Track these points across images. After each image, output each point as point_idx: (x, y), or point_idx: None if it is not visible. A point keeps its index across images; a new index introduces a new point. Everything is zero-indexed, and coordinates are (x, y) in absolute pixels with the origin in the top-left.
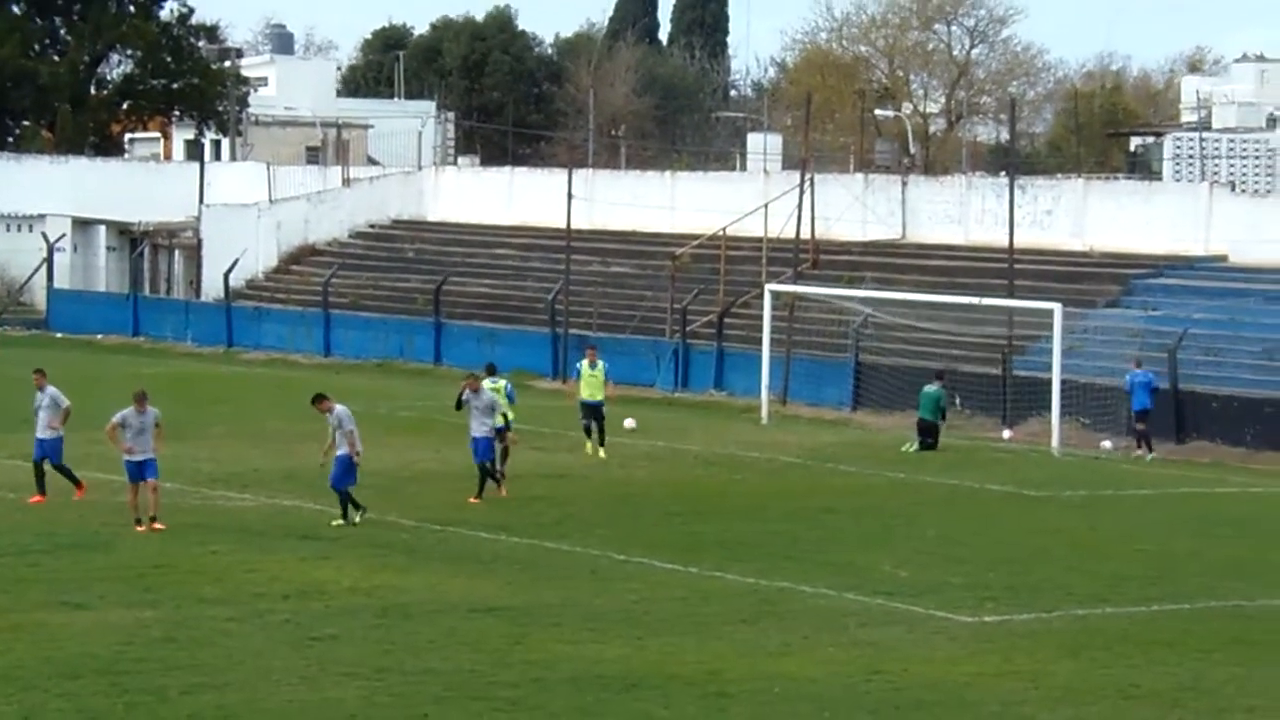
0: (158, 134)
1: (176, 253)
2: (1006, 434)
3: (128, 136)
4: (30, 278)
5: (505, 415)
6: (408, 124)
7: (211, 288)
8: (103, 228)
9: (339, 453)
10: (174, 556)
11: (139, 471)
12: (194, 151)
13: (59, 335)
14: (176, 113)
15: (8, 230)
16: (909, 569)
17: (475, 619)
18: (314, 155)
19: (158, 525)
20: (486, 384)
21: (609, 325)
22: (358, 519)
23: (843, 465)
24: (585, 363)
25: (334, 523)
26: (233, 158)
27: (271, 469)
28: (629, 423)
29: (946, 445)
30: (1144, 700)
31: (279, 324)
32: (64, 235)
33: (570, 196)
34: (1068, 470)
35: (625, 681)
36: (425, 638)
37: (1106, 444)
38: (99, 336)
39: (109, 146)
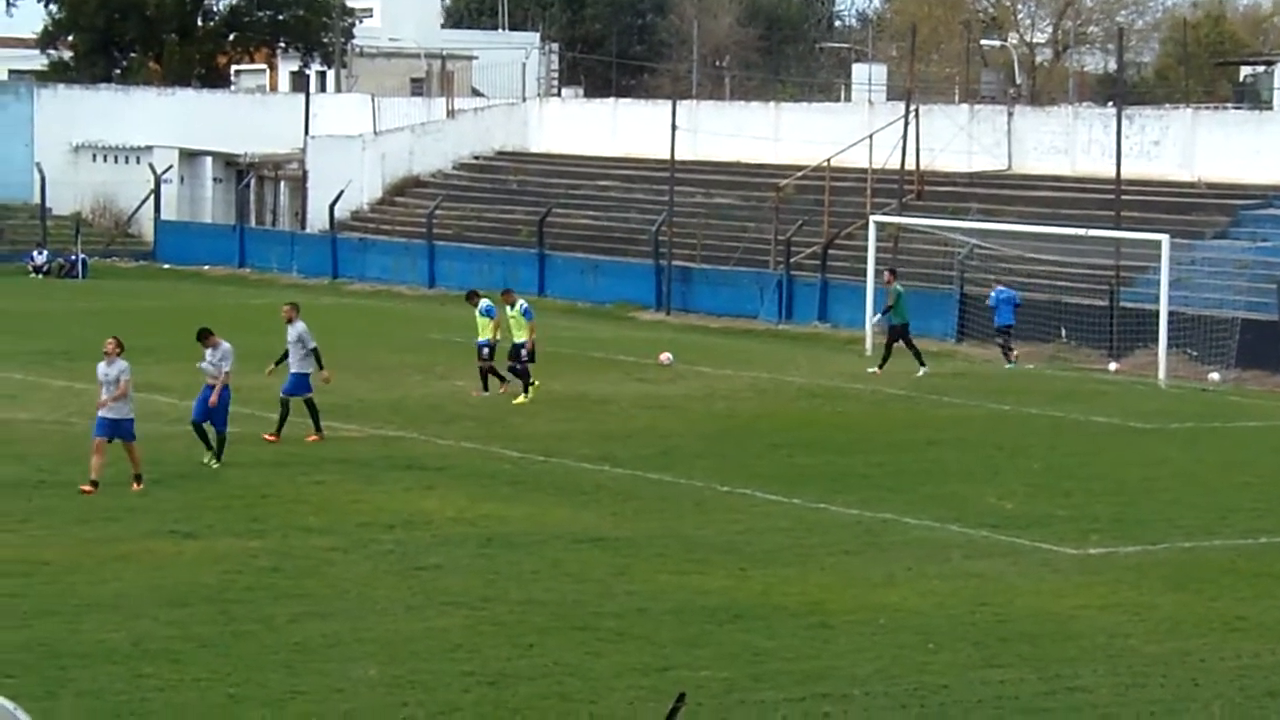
0: (263, 66)
1: (282, 184)
2: (1113, 366)
3: (234, 68)
4: (138, 209)
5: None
6: (511, 55)
7: (317, 219)
8: (209, 159)
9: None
10: (280, 487)
11: (110, 429)
12: (299, 83)
13: (166, 266)
14: (282, 44)
15: (115, 162)
16: (1014, 501)
17: (579, 549)
18: (418, 87)
19: (138, 486)
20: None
21: (712, 257)
22: (210, 460)
23: (947, 397)
24: (505, 304)
25: (209, 462)
26: (338, 89)
27: (377, 400)
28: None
29: (1053, 376)
30: (1250, 633)
31: (384, 255)
32: (171, 167)
33: (674, 128)
34: (1174, 402)
35: (729, 612)
36: (529, 568)
37: (1214, 375)
38: (205, 268)
39: (215, 78)
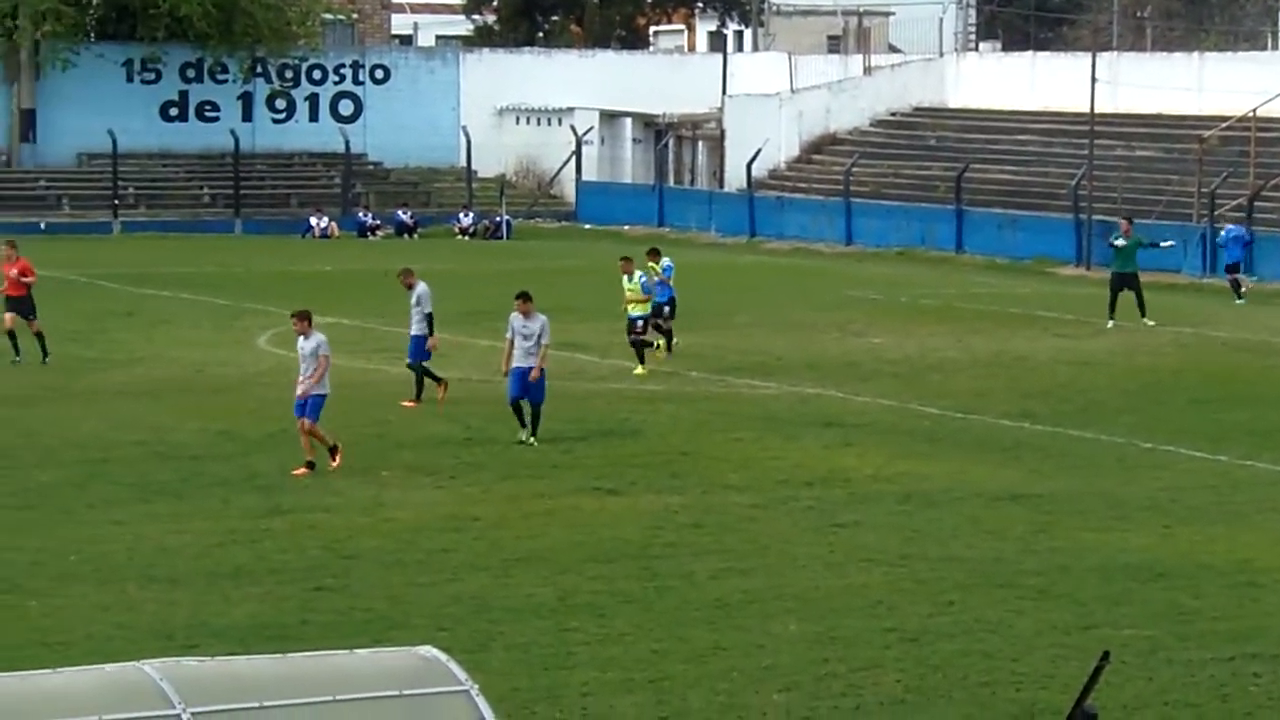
0: (681, 26)
1: (700, 144)
2: None
3: (652, 30)
4: (560, 170)
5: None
6: (929, 10)
7: (734, 178)
8: (628, 120)
9: (525, 364)
10: (700, 444)
11: (298, 407)
12: (717, 43)
13: (587, 227)
14: (700, 4)
15: (538, 124)
16: None
17: (998, 506)
18: (835, 44)
19: (299, 471)
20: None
21: (1133, 210)
22: (528, 438)
23: None
24: (624, 276)
25: (528, 439)
26: (755, 48)
27: (794, 357)
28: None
29: None
30: None
31: (801, 213)
32: (591, 128)
33: (1094, 80)
34: None
35: (1153, 570)
36: (948, 525)
37: None
38: (625, 227)
39: (635, 40)
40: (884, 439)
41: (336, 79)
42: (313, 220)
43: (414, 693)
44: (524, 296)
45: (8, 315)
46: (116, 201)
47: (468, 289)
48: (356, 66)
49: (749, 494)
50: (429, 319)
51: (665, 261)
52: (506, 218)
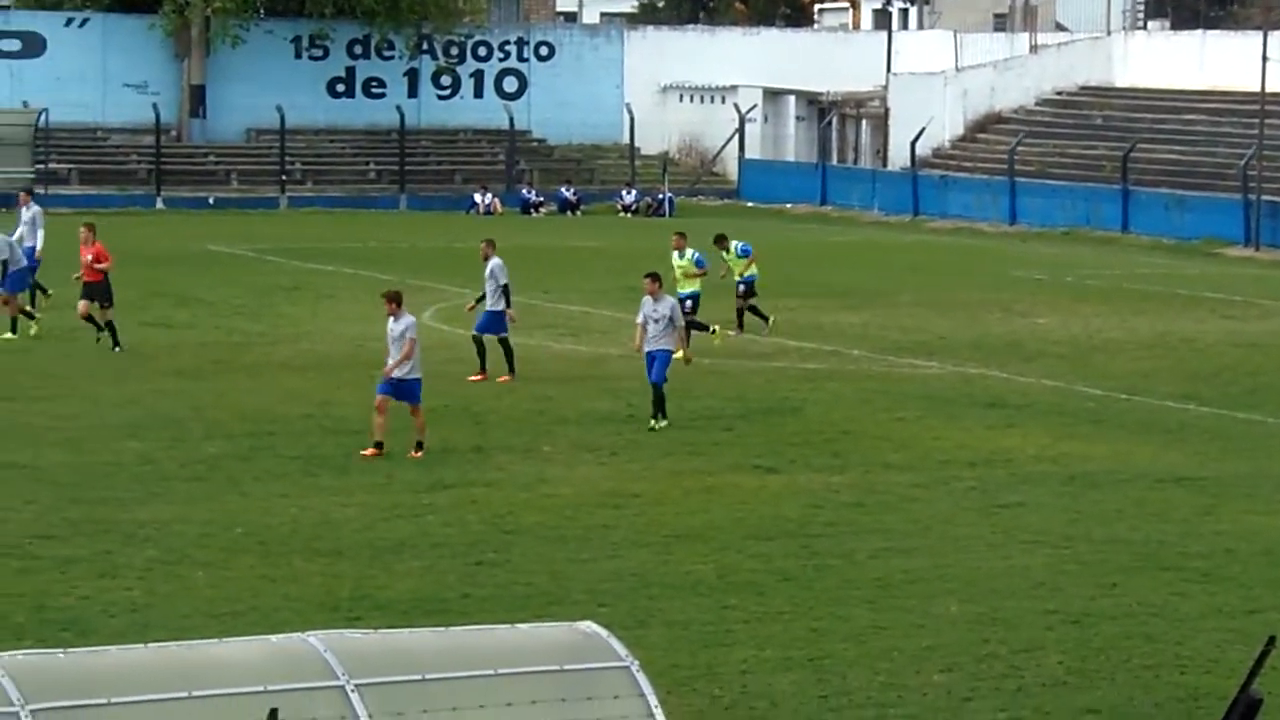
0: (846, 4)
1: (863, 122)
2: None
3: (817, 7)
4: (722, 148)
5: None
6: None
7: (898, 156)
8: (792, 98)
9: (656, 348)
10: (861, 423)
11: (393, 389)
12: (882, 21)
13: (749, 204)
14: None
15: (701, 102)
16: None
17: (1163, 489)
18: (1001, 22)
19: (417, 453)
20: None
21: None
22: (657, 423)
23: None
24: (674, 252)
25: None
26: (920, 26)
27: (958, 337)
28: None
29: None
30: None
31: (964, 192)
32: (755, 106)
33: (1265, 59)
34: None
35: None
36: (1112, 506)
37: None
38: (788, 206)
39: (799, 17)
40: (1047, 420)
41: (501, 56)
42: (476, 197)
43: (575, 668)
44: (652, 277)
45: (81, 303)
46: (284, 177)
47: (629, 266)
48: (521, 43)
49: (910, 474)
50: (505, 291)
51: (739, 244)
52: (669, 195)
